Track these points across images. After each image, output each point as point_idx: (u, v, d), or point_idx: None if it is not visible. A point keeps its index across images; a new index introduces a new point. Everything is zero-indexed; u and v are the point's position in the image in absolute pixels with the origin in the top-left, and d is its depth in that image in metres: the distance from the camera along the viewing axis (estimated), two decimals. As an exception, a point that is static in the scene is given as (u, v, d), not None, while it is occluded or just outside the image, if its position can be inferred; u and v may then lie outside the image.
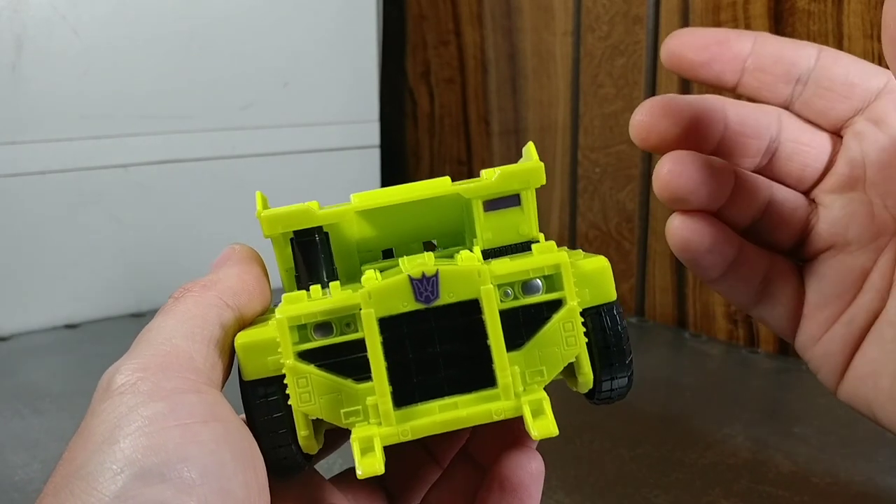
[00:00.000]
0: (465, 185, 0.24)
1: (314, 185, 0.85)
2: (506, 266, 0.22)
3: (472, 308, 0.21)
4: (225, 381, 0.22)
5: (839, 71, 0.26)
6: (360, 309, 0.21)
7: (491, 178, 0.24)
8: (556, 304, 0.22)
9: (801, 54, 0.26)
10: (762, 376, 0.62)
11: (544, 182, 0.24)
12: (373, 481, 0.26)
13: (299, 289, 0.23)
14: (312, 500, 0.25)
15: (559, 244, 0.24)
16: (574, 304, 0.22)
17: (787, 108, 0.27)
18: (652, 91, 0.71)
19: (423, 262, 0.21)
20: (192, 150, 0.79)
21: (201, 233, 0.80)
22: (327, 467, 0.28)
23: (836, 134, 0.27)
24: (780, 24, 0.61)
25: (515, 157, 0.84)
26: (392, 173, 0.97)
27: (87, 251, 0.75)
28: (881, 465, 0.48)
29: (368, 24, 0.88)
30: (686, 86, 0.68)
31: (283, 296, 0.22)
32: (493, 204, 0.24)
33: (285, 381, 0.21)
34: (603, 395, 0.24)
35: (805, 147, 0.27)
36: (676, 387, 0.60)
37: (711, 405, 0.57)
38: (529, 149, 0.25)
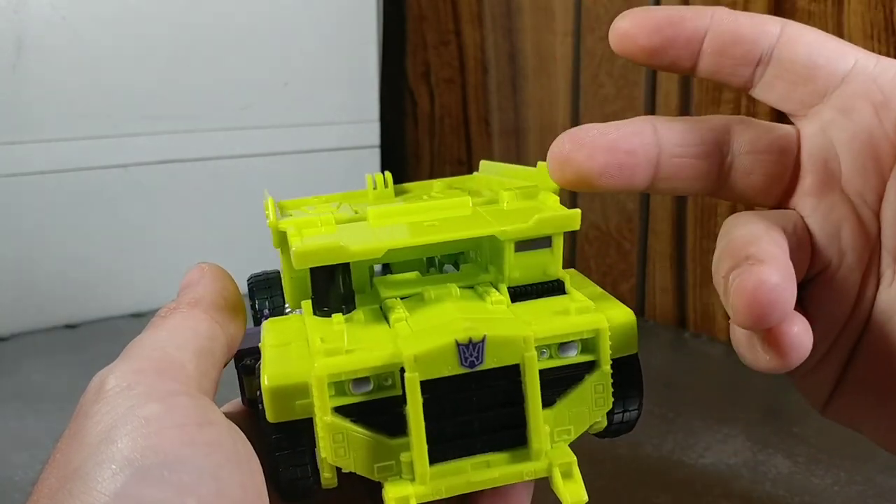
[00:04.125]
0: (498, 228, 0.23)
1: (314, 185, 0.85)
2: (547, 328, 0.21)
3: (512, 371, 0.21)
4: (214, 394, 0.22)
5: (802, 50, 0.23)
6: (403, 370, 0.20)
7: (526, 222, 0.23)
8: (589, 364, 0.22)
9: (763, 31, 0.23)
10: (762, 376, 0.62)
11: (578, 228, 0.23)
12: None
13: (317, 308, 0.23)
14: None
15: None
16: (608, 369, 0.22)
17: (748, 90, 0.24)
18: (652, 91, 0.71)
19: (469, 327, 0.20)
20: (192, 150, 0.79)
21: (201, 233, 0.80)
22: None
23: (800, 126, 0.24)
24: (780, 24, 0.61)
25: (515, 157, 0.85)
26: (392, 173, 0.96)
27: (87, 251, 0.75)
28: (881, 465, 0.48)
29: (368, 25, 0.88)
30: (686, 92, 0.68)
31: (308, 326, 0.22)
32: (524, 244, 0.24)
33: (312, 426, 0.21)
34: (612, 432, 0.24)
35: (764, 156, 0.24)
36: (676, 387, 0.60)
37: (711, 405, 0.57)
38: (543, 169, 0.24)
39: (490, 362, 0.21)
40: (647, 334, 0.72)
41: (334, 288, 0.23)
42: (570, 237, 0.81)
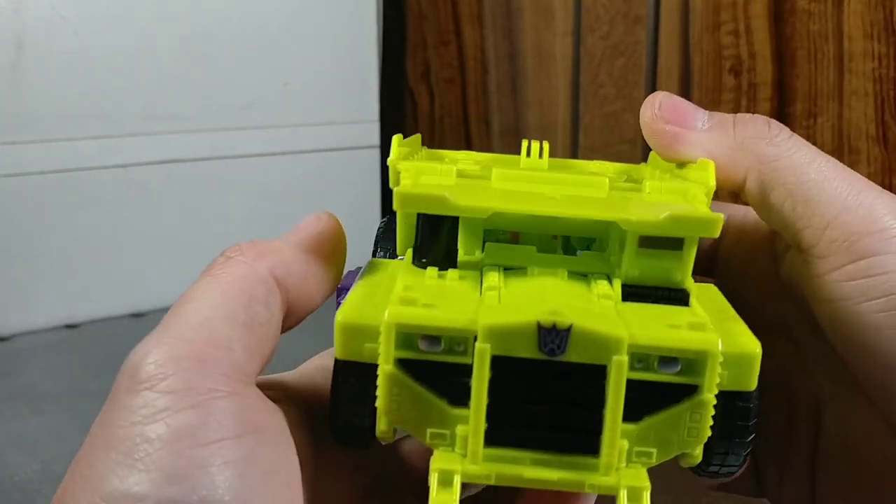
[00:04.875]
0: (624, 215, 0.21)
1: (314, 185, 0.85)
2: (647, 336, 0.19)
3: (597, 372, 0.19)
4: (263, 367, 0.20)
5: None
6: (476, 339, 0.19)
7: (657, 216, 0.21)
8: (690, 389, 0.19)
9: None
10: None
11: (717, 236, 0.21)
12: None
13: (416, 258, 0.22)
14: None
15: None
16: (710, 397, 0.19)
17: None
18: (652, 91, 0.71)
19: (557, 311, 0.19)
20: (192, 150, 0.79)
21: (201, 233, 0.80)
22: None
23: None
24: (780, 23, 0.61)
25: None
26: (392, 173, 0.97)
27: (87, 251, 0.74)
28: (881, 465, 0.47)
29: (368, 25, 0.88)
30: (686, 92, 0.68)
31: (400, 273, 0.21)
32: (650, 241, 0.21)
33: (377, 373, 0.19)
34: (709, 472, 0.22)
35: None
36: (676, 387, 0.60)
37: (711, 405, 0.56)
38: (709, 176, 0.22)
39: (572, 356, 0.19)
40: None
41: (436, 241, 0.22)
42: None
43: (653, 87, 0.71)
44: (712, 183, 0.22)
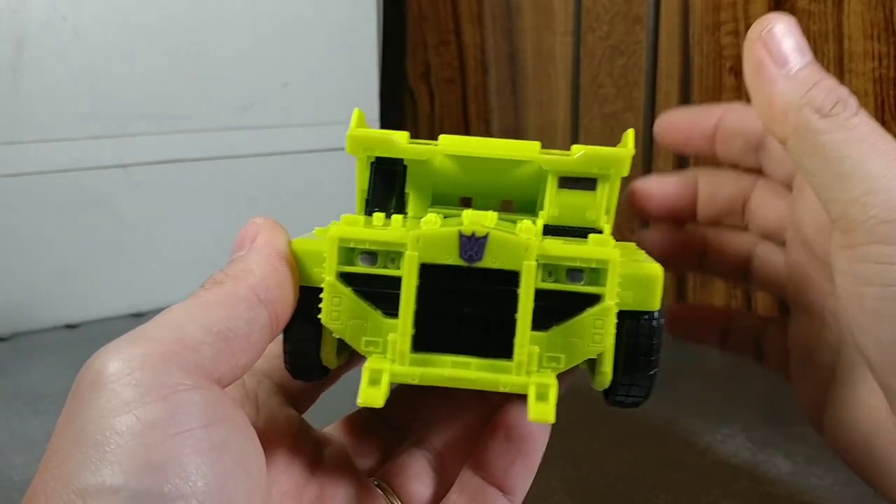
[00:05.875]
0: (546, 157, 0.24)
1: (314, 185, 0.85)
2: (556, 248, 0.21)
3: (511, 279, 0.21)
4: (235, 378, 0.21)
5: None
6: (406, 249, 0.21)
7: (573, 155, 0.23)
8: (594, 298, 0.22)
9: (759, 126, 0.28)
10: (762, 376, 0.62)
11: (627, 173, 0.24)
12: (374, 422, 0.27)
13: (367, 212, 0.24)
14: (304, 452, 0.25)
15: None
16: (611, 305, 0.21)
17: (759, 171, 0.30)
18: (652, 91, 0.71)
19: (478, 221, 0.21)
20: (192, 150, 0.79)
21: (201, 233, 0.80)
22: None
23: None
24: (780, 24, 0.61)
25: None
26: (392, 173, 0.96)
27: (87, 251, 0.74)
28: (881, 465, 0.48)
29: (368, 25, 0.88)
30: (686, 92, 0.68)
31: (342, 216, 0.23)
32: (568, 182, 0.24)
33: (321, 296, 0.22)
34: (617, 398, 0.23)
35: (767, 207, 0.30)
36: (676, 387, 0.60)
37: (711, 405, 0.57)
38: (628, 136, 0.24)
39: (489, 261, 0.21)
40: (647, 334, 0.72)
41: (385, 192, 0.24)
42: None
43: (653, 88, 0.71)
44: (632, 149, 0.24)
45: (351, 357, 0.26)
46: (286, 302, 0.22)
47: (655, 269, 0.22)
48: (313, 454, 0.25)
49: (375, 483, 0.25)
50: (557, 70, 0.79)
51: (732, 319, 0.32)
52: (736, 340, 0.32)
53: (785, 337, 0.30)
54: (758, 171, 0.30)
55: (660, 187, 0.31)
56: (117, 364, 0.19)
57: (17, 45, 0.69)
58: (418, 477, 0.25)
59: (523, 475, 0.24)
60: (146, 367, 0.19)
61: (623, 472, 0.47)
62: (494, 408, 0.25)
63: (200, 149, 0.79)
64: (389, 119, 0.96)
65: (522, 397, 0.23)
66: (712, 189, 0.31)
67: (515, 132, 0.85)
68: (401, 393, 0.27)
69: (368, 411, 0.27)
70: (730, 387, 0.61)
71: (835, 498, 0.44)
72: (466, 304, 0.22)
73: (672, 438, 0.51)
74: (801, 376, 0.28)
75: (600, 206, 0.24)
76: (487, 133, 0.89)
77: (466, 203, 0.26)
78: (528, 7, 0.81)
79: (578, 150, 0.24)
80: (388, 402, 0.26)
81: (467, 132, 0.92)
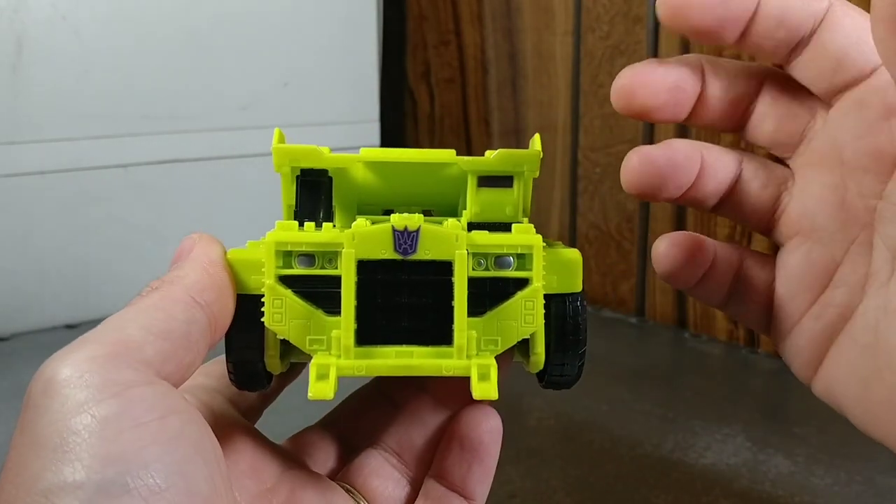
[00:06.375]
0: (464, 159, 0.25)
1: (314, 185, 0.85)
2: (483, 238, 0.23)
3: (444, 269, 0.23)
4: (183, 376, 0.21)
5: (838, 39, 0.24)
6: (343, 248, 0.22)
7: (489, 156, 0.25)
8: (523, 283, 0.23)
9: (808, 14, 0.24)
10: (762, 376, 0.62)
11: (537, 174, 0.25)
12: (326, 435, 0.27)
13: (299, 223, 0.24)
14: (268, 458, 0.25)
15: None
16: (539, 286, 0.23)
17: (784, 67, 0.26)
18: (652, 91, 0.71)
19: (409, 217, 0.22)
20: (192, 150, 0.79)
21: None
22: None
23: (829, 104, 0.25)
24: (780, 24, 0.61)
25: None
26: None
27: (87, 251, 0.75)
28: (881, 465, 0.48)
29: (368, 24, 0.88)
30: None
31: (276, 223, 0.23)
32: (486, 181, 0.25)
33: (262, 300, 0.23)
34: (552, 378, 0.25)
35: (784, 113, 0.26)
36: (676, 387, 0.60)
37: (711, 405, 0.57)
38: (535, 140, 0.26)
39: (422, 253, 0.22)
40: (647, 334, 0.72)
41: (313, 203, 0.25)
42: (571, 237, 0.81)
43: (653, 87, 0.71)
44: (540, 151, 0.26)
45: (292, 367, 0.26)
46: (223, 305, 0.23)
47: (575, 254, 0.24)
48: (277, 460, 0.25)
49: (339, 485, 0.26)
50: (557, 70, 0.79)
51: (715, 255, 0.28)
52: (713, 277, 0.28)
53: (765, 274, 0.27)
54: (773, 71, 0.26)
55: (662, 75, 0.26)
56: (67, 370, 0.19)
57: (17, 45, 0.69)
58: (377, 473, 0.26)
59: (481, 480, 0.26)
60: (95, 368, 0.19)
61: (623, 472, 0.47)
62: (446, 418, 0.26)
63: (200, 149, 0.79)
64: (389, 119, 0.96)
65: (471, 402, 0.25)
66: (723, 84, 0.26)
67: (515, 132, 0.85)
68: (349, 405, 0.28)
69: (317, 428, 0.28)
70: (730, 387, 0.61)
71: (834, 498, 0.44)
72: (404, 296, 0.23)
73: (672, 438, 0.51)
74: (791, 317, 0.26)
75: (518, 202, 0.25)
76: (487, 133, 0.89)
77: (389, 214, 0.27)
78: (528, 7, 0.81)
79: (492, 153, 0.25)
80: (337, 416, 0.27)
81: (467, 132, 0.92)
